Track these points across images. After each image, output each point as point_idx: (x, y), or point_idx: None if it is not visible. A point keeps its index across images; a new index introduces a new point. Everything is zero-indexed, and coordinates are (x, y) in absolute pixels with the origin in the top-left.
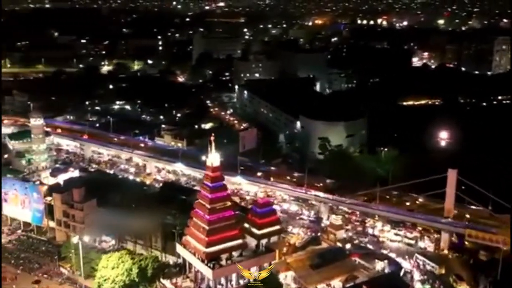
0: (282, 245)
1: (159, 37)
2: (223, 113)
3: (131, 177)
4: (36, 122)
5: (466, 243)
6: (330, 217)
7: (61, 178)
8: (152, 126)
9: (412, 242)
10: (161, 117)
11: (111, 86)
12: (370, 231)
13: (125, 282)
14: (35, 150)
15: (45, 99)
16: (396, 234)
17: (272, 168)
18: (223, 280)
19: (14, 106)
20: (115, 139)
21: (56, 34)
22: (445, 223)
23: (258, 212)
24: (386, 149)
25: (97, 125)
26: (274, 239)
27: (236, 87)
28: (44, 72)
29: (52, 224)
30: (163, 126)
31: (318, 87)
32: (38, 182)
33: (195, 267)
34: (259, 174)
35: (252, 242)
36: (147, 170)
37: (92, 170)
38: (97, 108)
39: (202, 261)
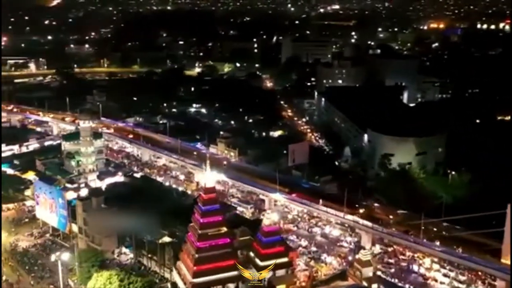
0: (291, 281)
1: (255, 39)
2: (299, 121)
3: (174, 185)
4: (84, 124)
5: None
6: (372, 248)
7: (107, 182)
8: (217, 131)
9: (463, 286)
10: (232, 122)
11: (192, 89)
12: (415, 268)
13: None
14: (83, 152)
15: (124, 100)
16: (445, 276)
17: (316, 185)
18: None
19: (92, 106)
20: (170, 144)
21: (164, 35)
22: (500, 269)
23: (263, 241)
24: (454, 172)
25: (162, 127)
26: (281, 272)
27: (316, 93)
28: (137, 72)
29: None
30: (221, 133)
31: (406, 97)
32: (83, 185)
33: None
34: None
35: (254, 274)
36: (195, 178)
37: (140, 175)
38: (174, 110)
39: None
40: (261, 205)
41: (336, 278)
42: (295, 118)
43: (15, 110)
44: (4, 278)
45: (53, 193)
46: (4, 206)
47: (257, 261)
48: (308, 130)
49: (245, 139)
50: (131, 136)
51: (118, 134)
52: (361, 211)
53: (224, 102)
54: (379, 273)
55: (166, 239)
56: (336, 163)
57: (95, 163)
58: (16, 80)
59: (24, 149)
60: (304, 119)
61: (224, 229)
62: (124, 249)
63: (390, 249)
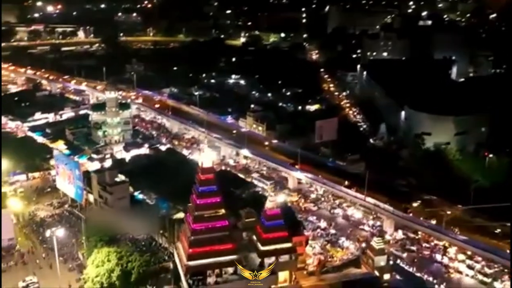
0: (294, 267)
1: (304, 9)
2: (339, 95)
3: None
4: (110, 95)
5: None
6: (394, 233)
7: (133, 154)
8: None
9: (488, 280)
10: (269, 94)
11: (233, 59)
12: (438, 257)
13: (102, 284)
14: (109, 123)
15: (164, 70)
16: (470, 267)
17: (342, 163)
18: None
19: (130, 75)
20: (199, 116)
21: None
22: None
23: (265, 224)
24: (492, 155)
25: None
26: (284, 258)
27: (358, 66)
28: (181, 42)
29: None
30: (251, 106)
31: (455, 72)
32: (108, 156)
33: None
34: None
35: (255, 259)
36: (221, 152)
37: (166, 147)
38: (212, 81)
39: (185, 275)
40: (285, 183)
41: (349, 264)
42: (336, 92)
43: (55, 78)
44: (17, 247)
45: (70, 165)
46: (30, 175)
47: (259, 245)
48: (347, 105)
49: (278, 113)
50: (160, 107)
51: (149, 105)
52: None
53: (264, 73)
54: (396, 261)
55: (181, 215)
56: (371, 140)
57: (121, 134)
58: (63, 48)
59: (59, 118)
60: (344, 93)
61: (222, 211)
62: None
63: (414, 236)
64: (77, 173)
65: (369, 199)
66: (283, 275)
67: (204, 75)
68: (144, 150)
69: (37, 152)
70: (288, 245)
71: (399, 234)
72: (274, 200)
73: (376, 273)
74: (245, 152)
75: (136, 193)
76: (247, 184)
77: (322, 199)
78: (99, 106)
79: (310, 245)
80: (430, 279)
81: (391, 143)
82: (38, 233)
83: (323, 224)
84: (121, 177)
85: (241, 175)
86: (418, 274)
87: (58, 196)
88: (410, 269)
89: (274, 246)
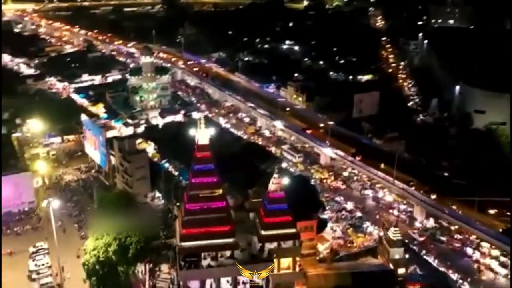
0: (297, 254)
1: None
2: (397, 65)
3: (232, 129)
4: (145, 59)
5: None
6: (424, 221)
7: (168, 120)
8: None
9: None
10: (321, 62)
11: (291, 24)
12: (469, 251)
13: (99, 258)
14: (145, 88)
15: (217, 33)
16: (503, 265)
17: (379, 142)
18: (208, 286)
19: (182, 38)
20: (240, 83)
21: None
22: None
23: (267, 208)
24: None
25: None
26: (288, 244)
27: (420, 35)
28: (243, 4)
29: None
30: (295, 74)
31: None
32: (143, 121)
33: None
34: None
35: (257, 244)
36: (257, 123)
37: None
38: (266, 46)
39: (178, 256)
40: (318, 158)
41: (366, 253)
42: (393, 62)
43: (109, 40)
44: (37, 211)
45: (94, 130)
46: (65, 137)
47: (260, 229)
48: (403, 76)
49: (323, 83)
50: (202, 72)
51: (192, 70)
52: None
53: (321, 40)
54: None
55: None
56: (421, 116)
57: (157, 99)
58: (125, 9)
59: (105, 80)
60: (403, 63)
61: (220, 191)
62: (158, 194)
63: (448, 225)
64: (101, 139)
65: (398, 182)
66: (286, 262)
67: (258, 40)
68: (180, 117)
69: (75, 115)
70: (292, 230)
71: (430, 222)
72: (278, 183)
73: (391, 266)
74: (278, 124)
75: (162, 162)
76: (274, 159)
77: (355, 178)
78: (137, 71)
79: (331, 228)
80: (455, 276)
81: (441, 120)
82: (60, 197)
83: (349, 205)
84: (150, 144)
85: (274, 148)
86: (442, 269)
87: (86, 161)
88: (435, 262)
89: (276, 231)
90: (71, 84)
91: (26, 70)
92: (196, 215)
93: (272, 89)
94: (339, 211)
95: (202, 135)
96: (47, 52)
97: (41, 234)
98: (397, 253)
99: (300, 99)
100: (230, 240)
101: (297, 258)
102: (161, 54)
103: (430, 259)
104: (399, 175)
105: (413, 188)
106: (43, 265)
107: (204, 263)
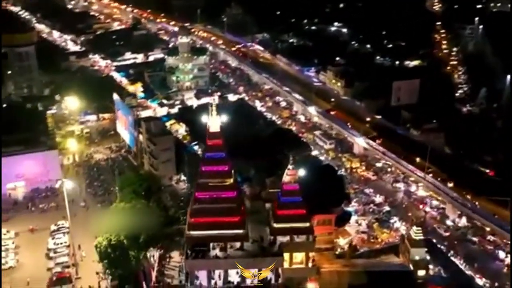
0: (310, 249)
1: None
2: (450, 50)
3: (268, 113)
4: (182, 40)
5: None
6: (456, 219)
7: (203, 101)
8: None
9: None
10: (368, 46)
11: (341, 5)
12: (502, 255)
13: (110, 241)
14: (181, 69)
15: (265, 13)
16: None
17: (415, 133)
18: (216, 277)
19: (226, 18)
20: (279, 66)
21: None
22: None
23: (280, 200)
24: None
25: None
26: (301, 238)
27: (476, 19)
28: None
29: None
30: (337, 58)
31: None
32: (178, 102)
33: None
34: None
35: (269, 236)
36: (293, 108)
37: (237, 98)
38: (313, 27)
39: (186, 245)
40: (350, 147)
41: (388, 251)
42: (446, 47)
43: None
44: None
45: (124, 110)
46: (100, 116)
47: (272, 222)
48: (454, 63)
49: (367, 67)
50: (243, 53)
51: (231, 51)
52: None
53: (371, 22)
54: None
55: None
56: (468, 106)
57: (194, 80)
58: None
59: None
60: (455, 49)
61: (230, 181)
62: (183, 177)
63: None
64: (130, 119)
65: (429, 177)
66: (300, 256)
67: (305, 21)
68: (215, 99)
69: (113, 93)
70: (305, 224)
71: (463, 221)
72: (293, 174)
73: (411, 266)
74: (312, 110)
75: (192, 144)
76: (304, 146)
77: (389, 170)
78: (175, 51)
79: (356, 221)
80: (481, 281)
81: (489, 111)
82: (88, 176)
83: (378, 198)
84: (182, 126)
85: (306, 134)
86: (469, 273)
87: (118, 141)
88: (462, 265)
89: (288, 225)
90: (114, 62)
91: (73, 47)
92: (206, 204)
93: (312, 73)
94: (367, 204)
95: (214, 122)
96: (94, 30)
97: (65, 213)
98: (418, 253)
99: (339, 84)
100: (240, 231)
101: (310, 253)
102: (203, 34)
103: (457, 261)
104: (434, 170)
105: (446, 183)
106: (61, 244)
107: (212, 253)
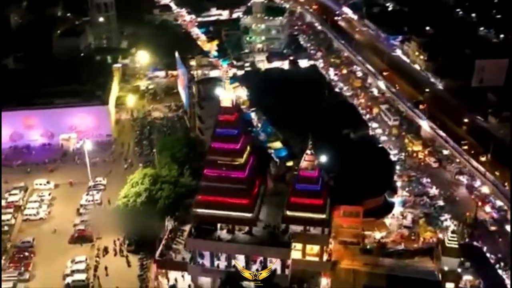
0: (325, 242)
1: None
2: None
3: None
4: None
5: None
6: None
7: (275, 65)
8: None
9: None
10: (473, 15)
11: None
12: None
13: (127, 205)
14: (253, 29)
15: None
16: None
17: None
18: (223, 257)
19: None
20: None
21: None
22: None
23: (295, 187)
24: None
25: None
26: (317, 230)
27: None
28: None
29: None
30: (427, 28)
31: None
32: (248, 64)
33: None
34: None
35: (281, 224)
36: (368, 79)
37: (309, 64)
38: None
39: (192, 222)
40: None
41: (424, 253)
42: None
43: None
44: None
45: (182, 70)
46: (169, 72)
47: (285, 209)
48: None
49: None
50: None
51: (314, 12)
52: None
53: None
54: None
55: (277, 144)
56: None
57: (265, 42)
58: None
59: (231, 16)
60: None
61: (240, 160)
62: None
63: None
64: (185, 80)
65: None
66: (315, 249)
67: None
68: (286, 63)
69: (188, 49)
70: (321, 216)
71: None
72: (311, 160)
73: (440, 277)
74: (380, 84)
75: (249, 111)
76: (363, 124)
77: (456, 159)
78: (251, 9)
79: (401, 213)
80: None
81: None
82: (139, 133)
83: (434, 190)
84: (245, 90)
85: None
86: None
87: (179, 100)
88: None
89: (302, 214)
90: (198, 18)
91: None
92: (214, 182)
93: (394, 42)
94: (419, 195)
95: (226, 96)
96: None
97: (109, 168)
98: (449, 263)
99: (421, 57)
100: (248, 215)
101: (326, 247)
102: None
103: (505, 275)
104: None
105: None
106: (92, 201)
107: (216, 235)
